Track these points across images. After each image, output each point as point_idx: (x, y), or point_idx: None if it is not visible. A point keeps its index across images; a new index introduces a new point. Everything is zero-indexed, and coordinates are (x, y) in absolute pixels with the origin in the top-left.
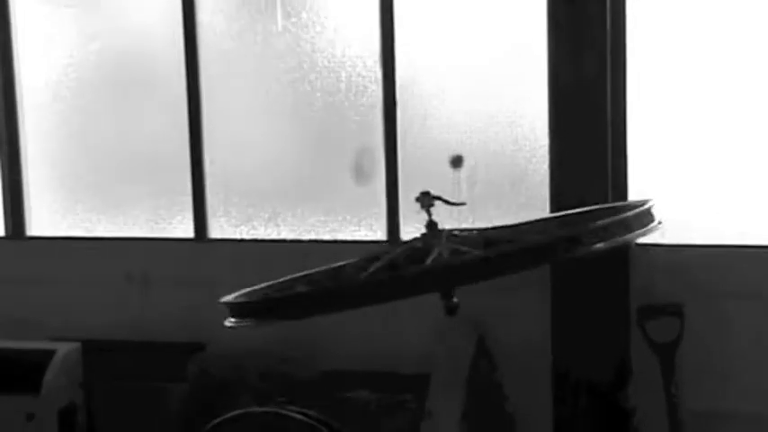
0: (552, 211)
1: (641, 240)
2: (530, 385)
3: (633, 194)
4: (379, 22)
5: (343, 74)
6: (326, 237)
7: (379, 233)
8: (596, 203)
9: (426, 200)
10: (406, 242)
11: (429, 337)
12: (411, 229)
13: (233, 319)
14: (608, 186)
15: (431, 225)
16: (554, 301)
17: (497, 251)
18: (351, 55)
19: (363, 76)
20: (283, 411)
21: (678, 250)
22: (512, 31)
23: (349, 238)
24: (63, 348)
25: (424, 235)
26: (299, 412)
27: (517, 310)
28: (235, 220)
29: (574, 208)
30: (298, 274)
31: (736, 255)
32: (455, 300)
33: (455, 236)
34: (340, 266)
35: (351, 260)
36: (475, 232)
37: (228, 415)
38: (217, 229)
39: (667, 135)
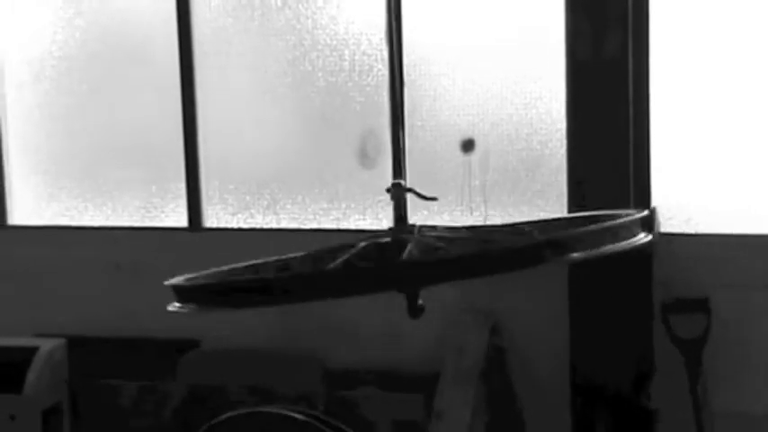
0: (570, 198)
1: (665, 229)
2: (546, 384)
3: (656, 180)
4: None
5: (347, 52)
6: (329, 226)
7: (385, 222)
8: (617, 190)
9: (398, 191)
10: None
11: (438, 332)
12: (419, 217)
13: (177, 304)
14: (630, 173)
15: (400, 219)
16: (572, 295)
17: (473, 251)
18: (355, 32)
19: (368, 55)
20: (285, 412)
21: (705, 239)
22: (527, 5)
23: (353, 227)
24: (47, 345)
25: (391, 229)
26: (301, 412)
27: (532, 303)
28: (231, 209)
29: (593, 194)
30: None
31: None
32: (420, 302)
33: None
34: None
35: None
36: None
37: (226, 416)
38: (212, 218)
39: (694, 116)
